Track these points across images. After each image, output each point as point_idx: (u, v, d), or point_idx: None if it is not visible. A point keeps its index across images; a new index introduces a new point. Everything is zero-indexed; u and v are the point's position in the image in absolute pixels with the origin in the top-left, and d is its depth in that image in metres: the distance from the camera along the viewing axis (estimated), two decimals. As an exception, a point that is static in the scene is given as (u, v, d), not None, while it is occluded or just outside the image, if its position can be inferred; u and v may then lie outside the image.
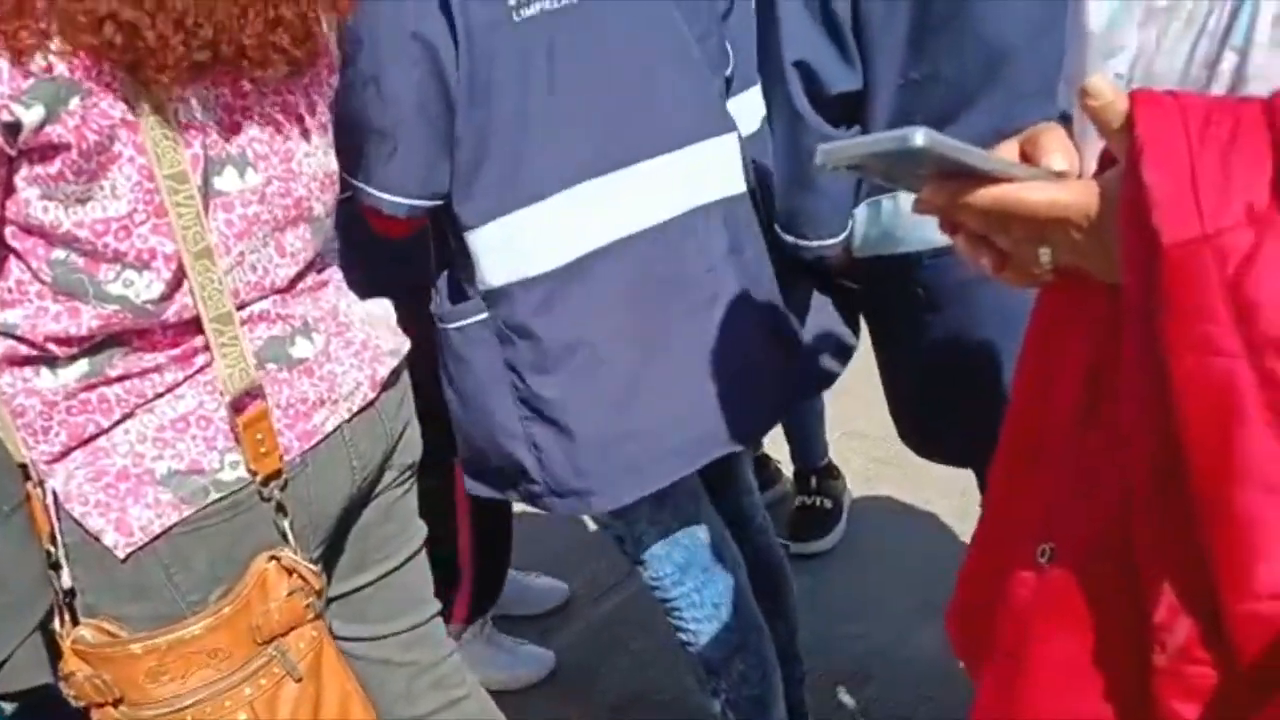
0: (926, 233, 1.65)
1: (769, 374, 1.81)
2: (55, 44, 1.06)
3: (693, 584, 1.87)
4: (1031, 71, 1.54)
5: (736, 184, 1.77)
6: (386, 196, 1.60)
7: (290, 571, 1.30)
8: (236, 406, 1.25)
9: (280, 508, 1.29)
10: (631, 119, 1.65)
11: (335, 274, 1.45)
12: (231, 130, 1.23)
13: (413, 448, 1.52)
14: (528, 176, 1.61)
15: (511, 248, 1.62)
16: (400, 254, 1.78)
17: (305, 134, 1.32)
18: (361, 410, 1.39)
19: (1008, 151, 0.79)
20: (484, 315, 1.67)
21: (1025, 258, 0.77)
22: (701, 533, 1.87)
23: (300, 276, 1.35)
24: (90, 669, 1.23)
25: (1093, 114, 0.70)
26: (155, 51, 1.09)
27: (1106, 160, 0.74)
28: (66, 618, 1.25)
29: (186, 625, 1.25)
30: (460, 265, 1.69)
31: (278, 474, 1.28)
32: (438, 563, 2.46)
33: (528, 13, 1.57)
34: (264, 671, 1.29)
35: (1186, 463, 0.63)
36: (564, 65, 1.60)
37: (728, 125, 1.78)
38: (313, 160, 1.33)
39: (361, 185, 1.59)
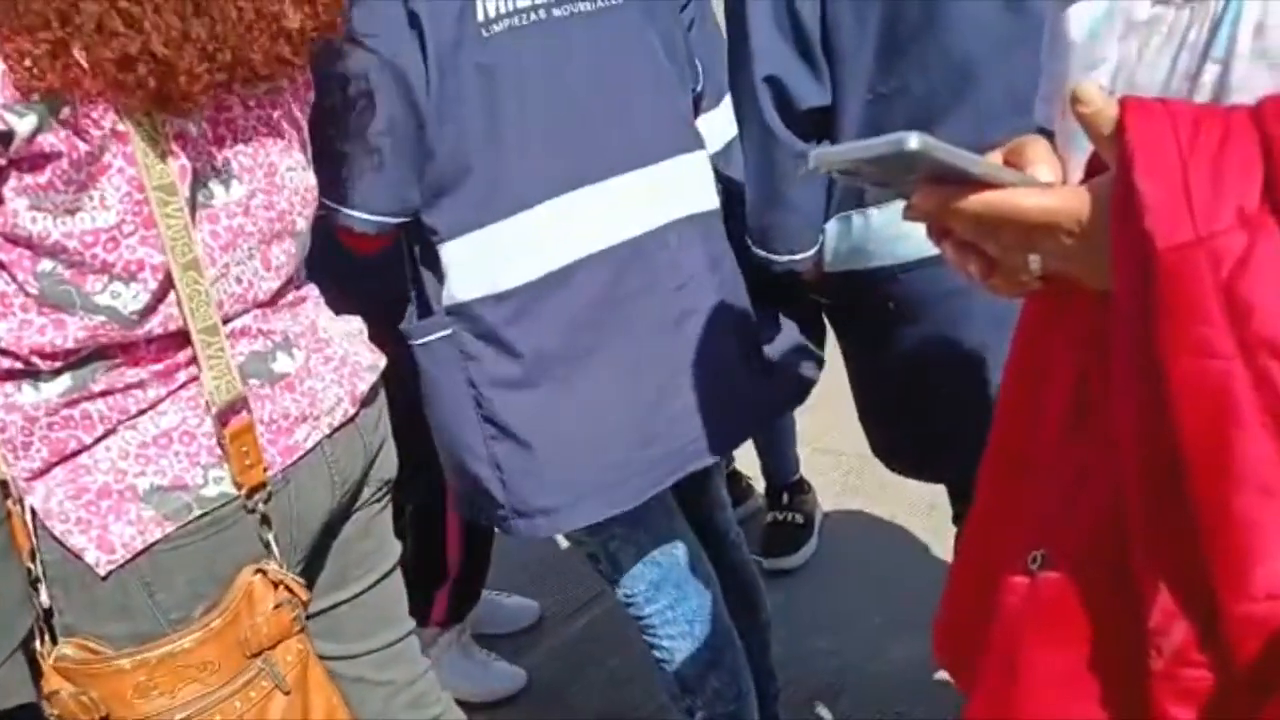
0: (897, 247, 1.66)
1: (741, 390, 1.81)
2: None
3: (666, 601, 1.86)
4: (1000, 88, 1.56)
5: (710, 200, 1.78)
6: (358, 215, 1.59)
7: (276, 584, 1.30)
8: (222, 419, 1.24)
9: (265, 520, 1.28)
10: (604, 134, 1.65)
11: (313, 290, 1.44)
12: (217, 143, 1.23)
13: (390, 464, 1.51)
14: (501, 190, 1.60)
15: (483, 261, 1.62)
16: (372, 268, 1.77)
17: (287, 149, 1.32)
18: (342, 426, 1.39)
19: (994, 160, 0.79)
20: (448, 331, 1.66)
21: (1014, 264, 0.78)
22: (675, 549, 1.86)
23: (282, 291, 1.34)
24: (75, 687, 1.22)
25: (1083, 120, 0.70)
26: (184, 86, 1.11)
27: (1093, 169, 0.74)
28: (46, 636, 1.24)
29: (176, 640, 1.23)
30: (427, 279, 1.68)
31: (262, 486, 1.28)
32: (424, 562, 2.46)
33: (497, 29, 1.57)
34: (253, 685, 1.29)
35: (1183, 465, 0.63)
36: (534, 81, 1.60)
37: (699, 142, 1.78)
38: (294, 175, 1.34)
39: (333, 205, 1.58)
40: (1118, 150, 0.68)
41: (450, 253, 1.63)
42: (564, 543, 2.99)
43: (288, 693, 1.31)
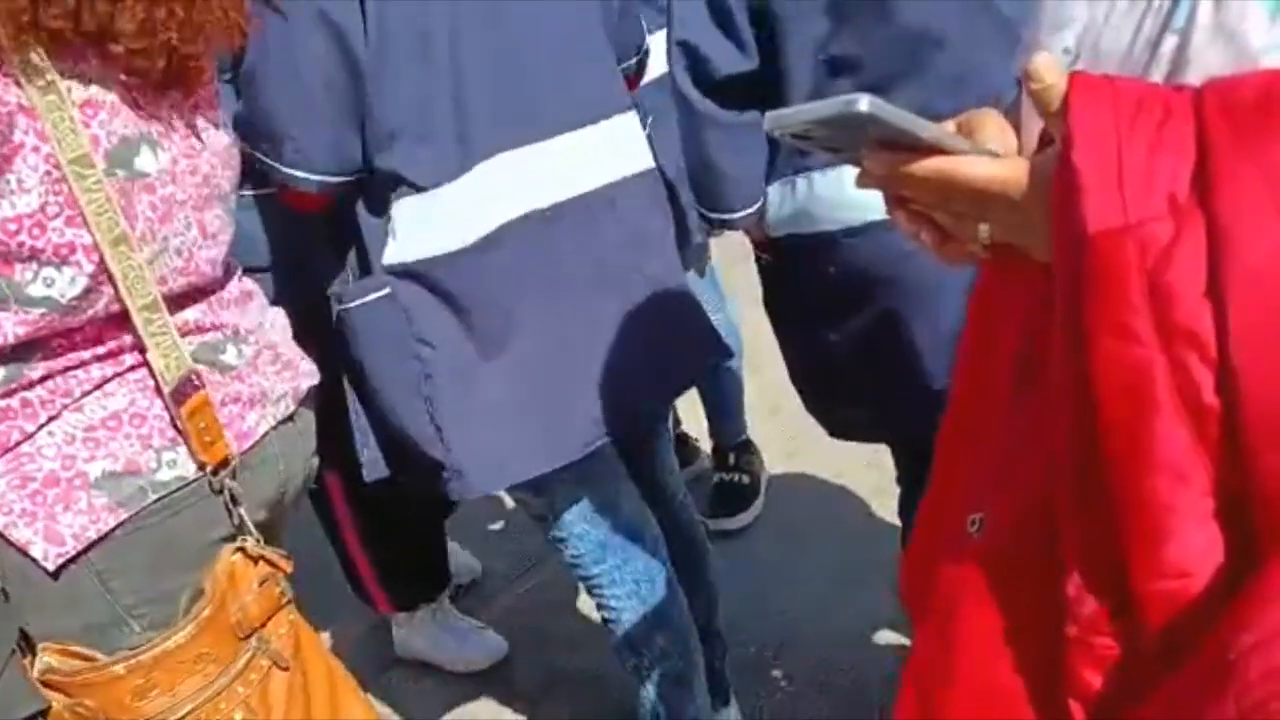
0: (840, 212, 1.67)
1: (678, 349, 1.83)
2: None
3: (614, 561, 1.88)
4: (951, 61, 1.56)
5: (649, 159, 1.79)
6: (297, 173, 1.58)
7: (256, 560, 1.26)
8: (177, 398, 1.18)
9: (233, 497, 1.24)
10: (546, 93, 1.66)
11: (257, 288, 1.40)
12: (133, 107, 1.16)
13: (310, 477, 1.46)
14: (446, 151, 1.60)
15: (431, 222, 1.62)
16: (300, 263, 1.77)
17: (198, 108, 1.26)
18: (286, 420, 1.35)
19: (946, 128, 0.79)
20: (385, 291, 1.65)
21: (965, 233, 0.78)
22: (621, 509, 1.88)
23: (223, 266, 1.30)
24: (68, 698, 1.15)
25: (1033, 97, 0.71)
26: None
27: (1045, 141, 0.75)
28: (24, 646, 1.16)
29: (167, 638, 1.19)
30: (370, 239, 1.67)
31: (226, 462, 1.23)
32: (341, 559, 2.47)
33: None
34: (251, 666, 1.25)
35: (1100, 445, 0.64)
36: (473, 40, 1.60)
37: (631, 103, 1.80)
38: (210, 134, 1.28)
39: (271, 163, 1.56)
40: (1060, 128, 0.68)
41: (398, 213, 1.61)
42: (509, 507, 3.00)
43: (286, 668, 1.28)
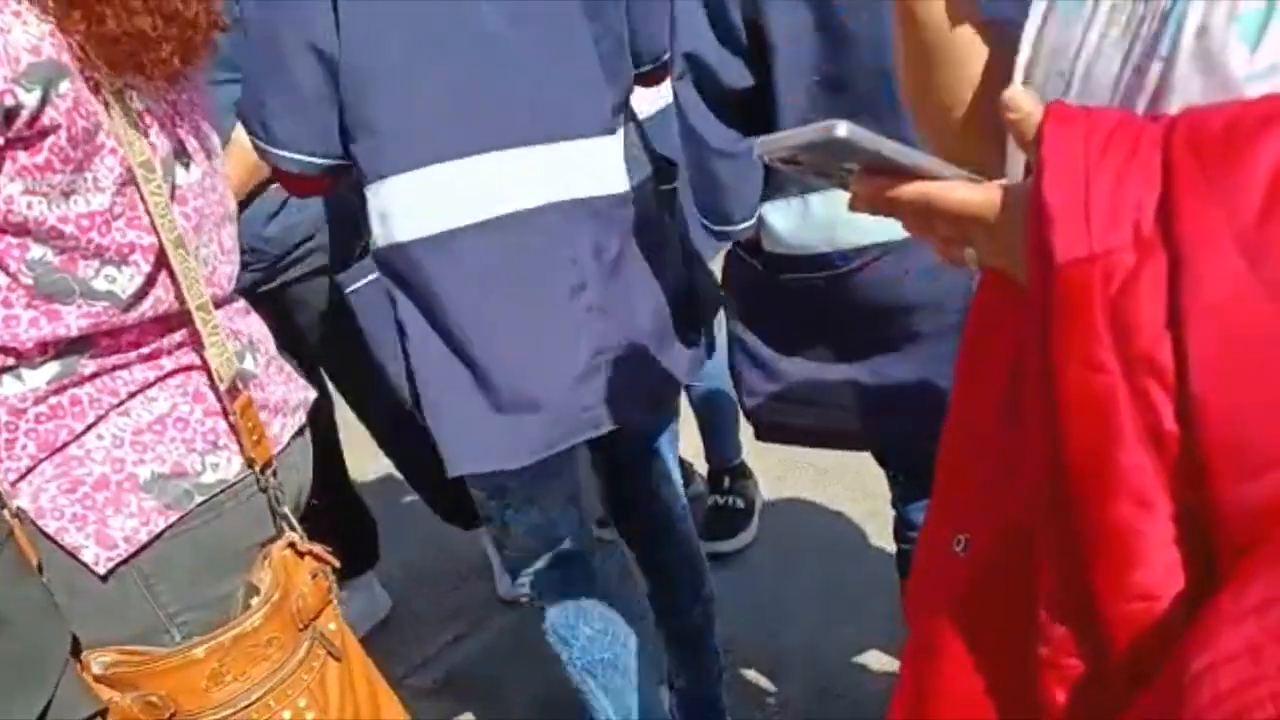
0: (835, 233, 1.66)
1: (639, 370, 1.80)
2: (33, 22, 1.04)
3: (542, 564, 1.91)
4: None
5: (612, 185, 1.76)
6: (287, 154, 1.62)
7: (303, 554, 1.29)
8: (231, 394, 1.22)
9: (276, 496, 1.27)
10: (510, 106, 1.65)
11: (250, 307, 1.43)
12: (173, 123, 1.22)
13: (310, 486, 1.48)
14: (405, 144, 1.62)
15: (388, 210, 1.64)
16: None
17: (210, 131, 1.32)
18: (299, 433, 1.37)
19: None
20: (374, 275, 1.69)
21: (953, 255, 0.80)
22: (564, 527, 1.90)
23: (234, 282, 1.34)
24: (135, 691, 1.16)
25: (1010, 125, 0.72)
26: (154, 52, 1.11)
27: (1030, 169, 0.76)
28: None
29: (245, 620, 1.21)
30: (364, 225, 1.71)
31: (269, 462, 1.26)
32: None
33: None
34: (311, 655, 1.28)
35: (1066, 471, 0.65)
36: (441, 40, 1.61)
37: (613, 127, 1.77)
38: (219, 160, 1.33)
39: (264, 145, 1.60)
40: (1034, 158, 0.70)
41: (369, 199, 1.65)
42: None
43: (339, 659, 1.30)
